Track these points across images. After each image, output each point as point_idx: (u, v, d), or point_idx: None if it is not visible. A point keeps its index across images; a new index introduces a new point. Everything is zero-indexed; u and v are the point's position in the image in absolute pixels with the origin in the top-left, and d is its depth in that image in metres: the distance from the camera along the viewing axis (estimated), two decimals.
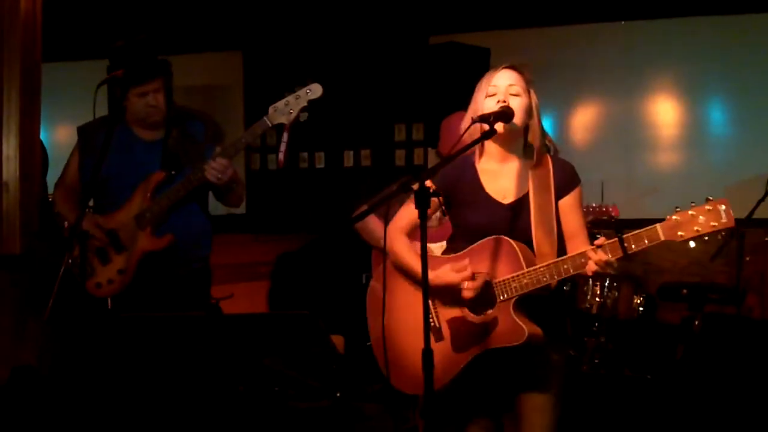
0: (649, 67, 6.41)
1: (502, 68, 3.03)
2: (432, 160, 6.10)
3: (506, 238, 2.91)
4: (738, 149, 6.22)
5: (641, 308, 5.52)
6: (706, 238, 2.73)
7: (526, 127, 3.01)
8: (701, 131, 6.37)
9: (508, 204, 3.01)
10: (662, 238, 2.73)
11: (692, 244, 2.77)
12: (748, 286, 5.60)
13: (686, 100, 6.38)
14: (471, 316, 2.94)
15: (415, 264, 3.01)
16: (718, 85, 6.30)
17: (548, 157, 3.03)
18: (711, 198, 2.70)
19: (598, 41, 6.53)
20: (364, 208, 3.10)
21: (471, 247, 2.99)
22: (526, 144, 3.03)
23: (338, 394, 4.76)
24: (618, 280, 5.37)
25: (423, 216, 2.72)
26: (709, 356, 4.90)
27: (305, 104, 3.66)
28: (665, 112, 6.42)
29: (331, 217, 6.60)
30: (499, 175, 3.03)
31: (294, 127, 3.70)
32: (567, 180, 3.01)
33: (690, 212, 2.70)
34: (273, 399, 4.56)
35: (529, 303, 2.91)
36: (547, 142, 3.08)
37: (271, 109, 3.70)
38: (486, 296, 2.92)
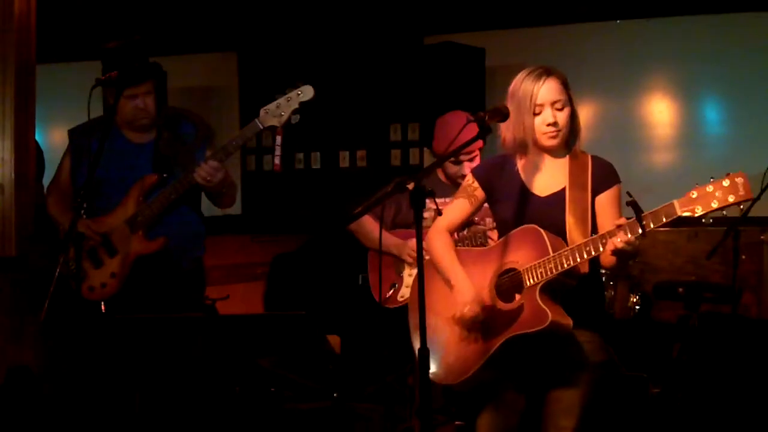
0: (644, 66, 6.40)
1: (543, 81, 2.99)
2: (428, 160, 6.10)
3: (535, 226, 2.94)
4: (733, 148, 6.20)
5: (637, 307, 5.52)
6: (725, 212, 2.67)
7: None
8: (696, 130, 6.36)
9: (544, 197, 3.05)
10: (679, 213, 2.71)
11: (720, 221, 2.68)
12: (744, 285, 5.59)
13: (682, 99, 6.37)
14: (500, 304, 2.96)
15: (449, 263, 3.06)
16: (714, 84, 6.29)
17: (588, 154, 3.10)
18: (730, 173, 2.67)
19: (593, 41, 6.52)
20: (359, 209, 3.10)
21: (503, 238, 3.04)
22: (568, 142, 3.08)
23: (335, 395, 4.76)
24: (614, 279, 5.36)
25: (418, 216, 2.73)
26: (706, 355, 4.90)
27: (296, 106, 3.62)
28: (660, 112, 6.41)
29: (327, 218, 6.60)
30: (539, 169, 3.09)
31: (288, 128, 3.68)
32: (604, 177, 3.07)
33: (708, 187, 2.69)
34: (269, 400, 4.55)
35: (560, 293, 2.91)
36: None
37: (262, 112, 3.67)
38: (516, 284, 2.94)
